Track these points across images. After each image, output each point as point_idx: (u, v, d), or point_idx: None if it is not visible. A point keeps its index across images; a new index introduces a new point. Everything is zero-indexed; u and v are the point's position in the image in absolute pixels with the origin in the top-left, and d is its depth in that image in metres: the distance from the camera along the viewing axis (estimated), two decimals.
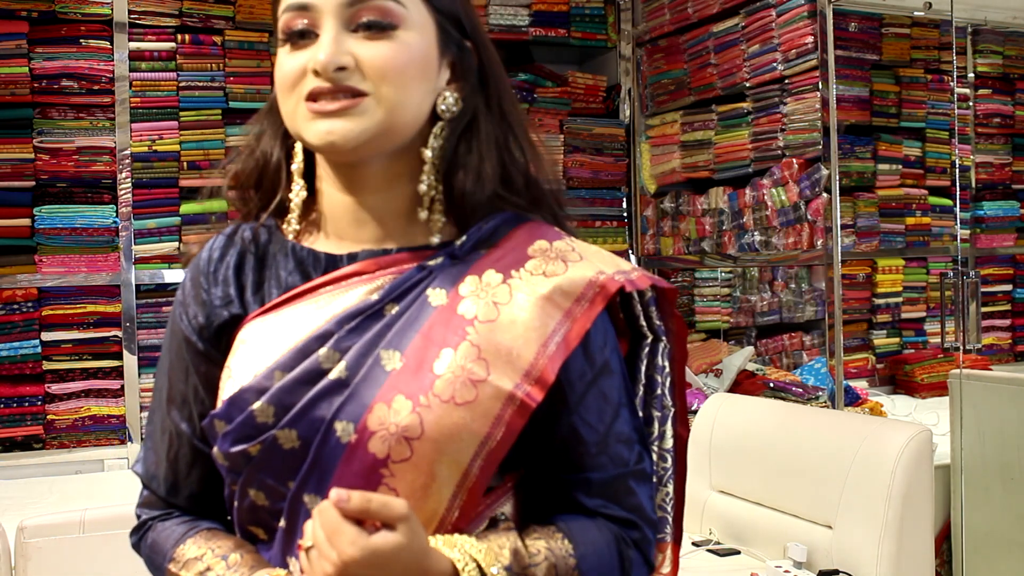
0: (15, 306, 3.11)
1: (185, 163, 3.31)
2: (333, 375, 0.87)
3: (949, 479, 2.73)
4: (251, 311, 0.95)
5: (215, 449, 0.92)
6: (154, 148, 3.27)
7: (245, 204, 1.03)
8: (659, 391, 1.01)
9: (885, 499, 2.08)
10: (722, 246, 3.55)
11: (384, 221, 0.94)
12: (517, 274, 0.91)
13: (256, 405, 0.88)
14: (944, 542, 2.74)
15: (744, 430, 2.52)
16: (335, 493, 0.80)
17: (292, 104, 0.90)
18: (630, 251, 3.96)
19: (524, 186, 0.97)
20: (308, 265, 0.95)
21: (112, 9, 3.20)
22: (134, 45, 3.25)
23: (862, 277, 3.88)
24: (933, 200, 3.91)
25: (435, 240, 0.94)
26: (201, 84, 3.32)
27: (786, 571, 2.16)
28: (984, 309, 3.99)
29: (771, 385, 3.24)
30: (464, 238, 0.93)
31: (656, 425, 1.03)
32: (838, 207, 2.99)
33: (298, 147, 0.97)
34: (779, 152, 3.26)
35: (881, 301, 3.91)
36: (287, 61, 0.90)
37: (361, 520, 0.80)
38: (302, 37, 0.90)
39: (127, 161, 3.23)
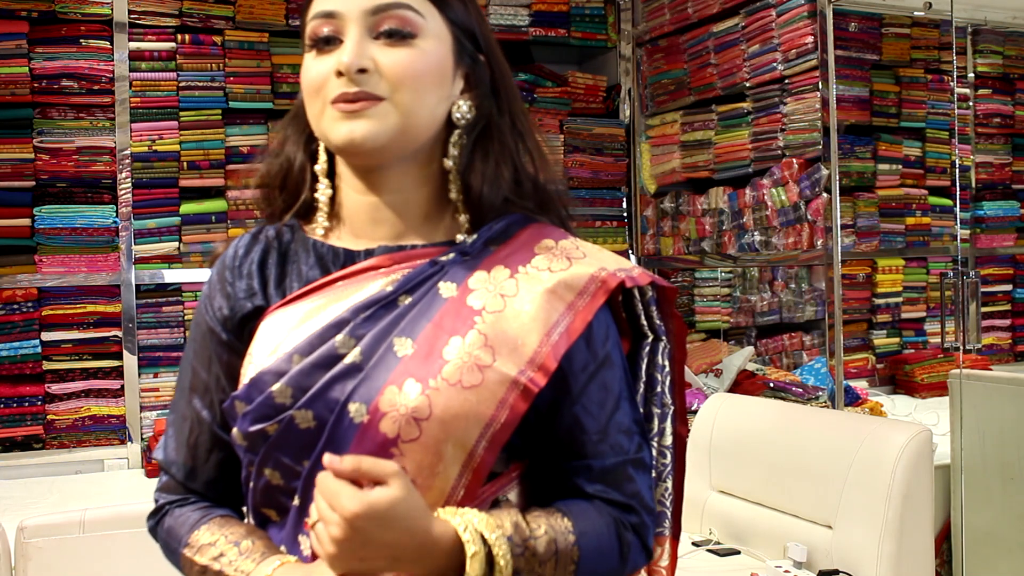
0: (15, 306, 3.11)
1: (185, 163, 3.31)
2: (348, 360, 0.93)
3: (949, 479, 2.73)
4: (273, 303, 1.01)
5: (234, 430, 0.97)
6: (154, 148, 3.27)
7: (269, 205, 1.08)
8: (659, 389, 1.06)
9: (885, 499, 2.08)
10: (722, 246, 3.55)
11: (400, 221, 1.01)
12: (524, 270, 0.97)
13: (275, 387, 0.93)
14: (944, 542, 2.74)
15: (744, 430, 2.52)
16: (327, 458, 0.84)
17: (318, 107, 0.97)
18: (630, 251, 3.96)
19: (533, 191, 1.03)
20: (328, 260, 1.01)
21: (112, 9, 3.20)
22: (134, 45, 3.25)
23: (862, 277, 3.88)
24: (933, 200, 3.92)
25: (459, 238, 1.00)
26: (201, 84, 3.32)
27: (786, 571, 2.16)
28: (984, 309, 3.99)
29: (771, 385, 3.24)
30: (475, 236, 1.00)
31: (656, 422, 1.07)
32: (838, 207, 2.99)
33: (322, 148, 1.03)
34: (779, 152, 3.26)
35: (881, 301, 3.91)
36: (313, 65, 0.97)
37: (358, 483, 0.85)
38: (327, 43, 0.96)
39: (127, 161, 3.23)
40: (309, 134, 1.04)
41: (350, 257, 1.00)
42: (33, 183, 3.14)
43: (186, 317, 3.30)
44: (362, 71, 0.93)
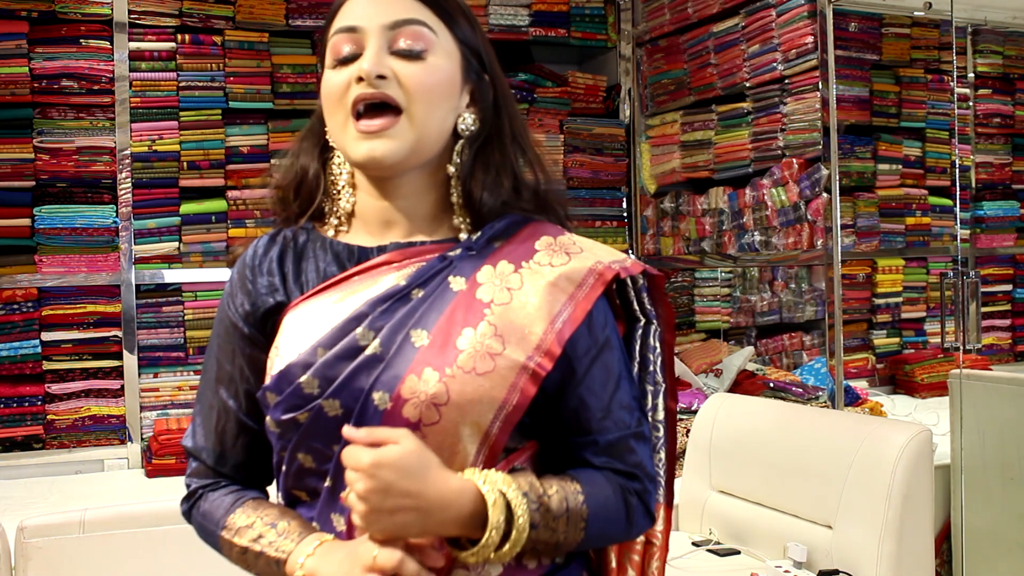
0: (15, 306, 3.11)
1: (185, 163, 3.31)
2: (369, 351, 1.01)
3: (949, 479, 2.73)
4: (293, 298, 1.09)
5: (267, 418, 1.05)
6: (154, 148, 3.27)
7: (284, 209, 1.16)
8: (651, 368, 1.16)
9: (885, 499, 2.08)
10: (722, 246, 3.55)
11: (410, 222, 1.10)
12: (527, 265, 1.06)
13: (303, 378, 1.01)
14: (944, 542, 2.74)
15: (744, 430, 2.52)
16: (346, 430, 0.95)
17: (341, 119, 1.06)
18: (630, 251, 3.96)
19: (532, 197, 1.13)
20: (343, 257, 1.10)
21: (112, 9, 3.20)
22: (134, 45, 3.25)
23: (862, 277, 3.88)
24: (933, 200, 3.91)
25: (462, 236, 1.09)
26: (201, 84, 3.32)
27: (786, 571, 2.16)
28: (984, 309, 3.99)
29: (771, 385, 3.24)
30: (479, 234, 1.08)
31: (649, 398, 1.18)
32: (838, 207, 2.99)
33: (338, 160, 1.12)
34: (779, 152, 3.26)
35: (881, 301, 3.91)
36: (334, 76, 1.06)
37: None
38: (348, 61, 1.06)
39: (127, 161, 3.23)
40: (323, 145, 1.13)
41: (364, 254, 1.09)
42: (33, 183, 3.14)
43: (186, 317, 3.30)
44: (381, 77, 1.02)
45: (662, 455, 1.18)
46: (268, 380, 1.05)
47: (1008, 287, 4.14)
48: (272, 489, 1.15)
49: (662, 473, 1.18)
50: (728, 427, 2.56)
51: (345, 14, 1.07)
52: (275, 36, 3.42)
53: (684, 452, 2.73)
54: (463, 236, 1.09)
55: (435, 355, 0.99)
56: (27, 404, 3.10)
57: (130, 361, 3.22)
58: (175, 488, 2.92)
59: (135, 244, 3.25)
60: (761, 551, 2.35)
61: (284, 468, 1.07)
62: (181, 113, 3.30)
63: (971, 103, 4.00)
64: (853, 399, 3.25)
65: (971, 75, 3.98)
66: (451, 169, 1.10)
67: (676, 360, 3.45)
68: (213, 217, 3.35)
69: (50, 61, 3.14)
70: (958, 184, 3.81)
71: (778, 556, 2.27)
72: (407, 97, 1.03)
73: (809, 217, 3.09)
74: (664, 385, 1.17)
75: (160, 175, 3.29)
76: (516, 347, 1.00)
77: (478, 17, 1.16)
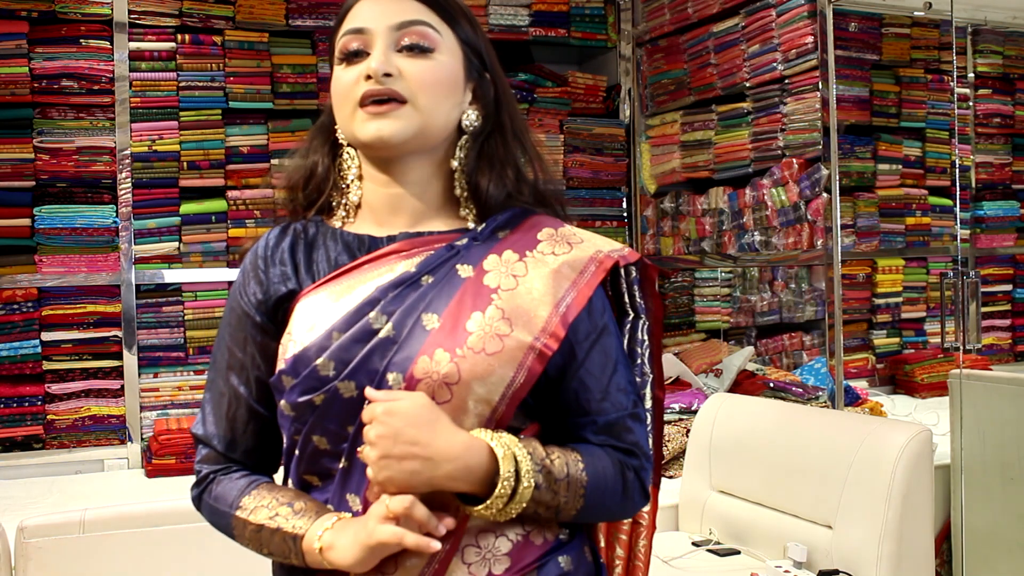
0: (15, 306, 3.11)
1: (185, 163, 3.31)
2: (382, 334, 1.05)
3: (949, 479, 2.73)
4: (305, 287, 1.13)
5: (282, 402, 1.08)
6: (154, 148, 3.27)
7: (292, 202, 1.21)
8: (639, 361, 1.22)
9: (885, 499, 2.08)
10: (722, 246, 3.55)
11: (416, 211, 1.15)
12: (530, 254, 1.12)
13: (319, 361, 1.05)
14: (944, 542, 2.74)
15: (744, 430, 2.52)
16: (368, 391, 1.02)
17: (348, 110, 1.11)
18: None
19: (532, 191, 1.19)
20: (354, 247, 1.14)
21: (112, 9, 3.20)
22: (134, 45, 3.25)
23: (862, 277, 3.88)
24: (933, 200, 3.91)
25: (469, 225, 1.15)
26: (201, 84, 3.32)
27: (786, 571, 2.16)
28: (984, 309, 3.99)
29: (771, 385, 3.24)
30: (484, 225, 1.14)
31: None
32: (838, 207, 3.00)
33: (349, 154, 1.17)
34: (779, 152, 3.26)
35: (881, 301, 3.91)
36: (343, 75, 1.12)
37: None
38: (356, 56, 1.11)
39: (127, 161, 3.23)
40: (332, 142, 1.18)
41: (374, 243, 1.14)
42: (33, 183, 3.15)
43: (186, 317, 3.30)
44: (387, 75, 1.08)
45: (650, 441, 1.23)
46: (283, 364, 1.08)
47: (1008, 287, 4.14)
48: (278, 478, 1.18)
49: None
50: (728, 427, 2.56)
51: (353, 17, 1.13)
52: (275, 36, 3.42)
53: (684, 452, 2.73)
54: (469, 226, 1.15)
55: (446, 337, 1.04)
56: (27, 404, 3.10)
57: (130, 361, 3.22)
58: (175, 488, 2.94)
59: (135, 244, 3.25)
60: (761, 551, 2.35)
61: (298, 452, 1.09)
62: (181, 113, 3.31)
63: (971, 103, 4.00)
64: (853, 399, 3.24)
65: (971, 75, 3.98)
66: (454, 163, 1.15)
67: (676, 360, 3.46)
68: (213, 217, 3.35)
69: (50, 61, 3.14)
70: (958, 184, 3.81)
71: (778, 556, 2.27)
72: (412, 92, 1.09)
73: (809, 217, 3.09)
74: (652, 376, 1.23)
75: (160, 175, 3.29)
76: (523, 329, 1.06)
77: (478, 17, 1.21)
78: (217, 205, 3.36)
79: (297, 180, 1.20)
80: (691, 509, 2.61)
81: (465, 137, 1.16)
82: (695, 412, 2.85)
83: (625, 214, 4.00)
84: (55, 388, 3.15)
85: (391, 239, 1.14)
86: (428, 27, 1.11)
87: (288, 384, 1.07)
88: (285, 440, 1.12)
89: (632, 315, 1.22)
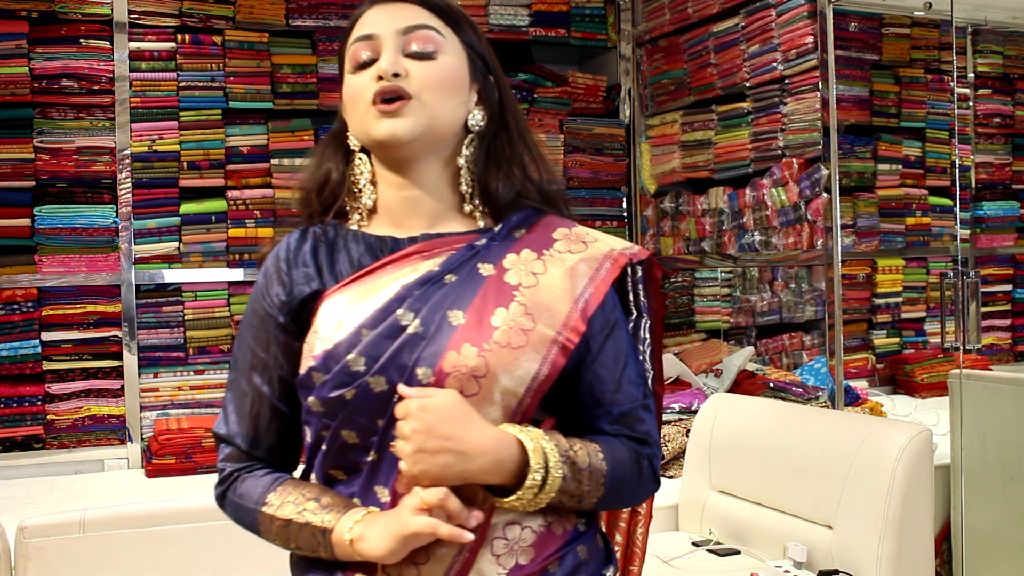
0: (15, 306, 3.11)
1: (185, 163, 3.31)
2: (411, 330, 1.09)
3: (949, 479, 2.73)
4: (328, 287, 1.16)
5: (310, 399, 1.11)
6: (154, 148, 3.27)
7: (307, 207, 1.24)
8: (641, 358, 1.26)
9: (885, 499, 2.08)
10: (722, 246, 3.55)
11: (433, 212, 1.19)
12: (548, 252, 1.17)
13: (349, 356, 1.09)
14: (944, 542, 2.74)
15: (744, 430, 2.52)
16: (401, 387, 1.06)
17: (362, 109, 1.15)
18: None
19: (538, 190, 1.23)
20: (376, 248, 1.18)
21: (112, 9, 3.20)
22: (134, 45, 3.25)
23: (862, 277, 3.88)
24: (933, 200, 3.91)
25: (480, 225, 1.20)
26: (201, 84, 3.33)
27: (786, 571, 2.16)
28: (984, 309, 3.99)
29: (771, 385, 3.24)
30: (500, 225, 1.19)
31: None
32: (838, 207, 2.99)
33: (361, 159, 1.21)
34: (779, 152, 3.26)
35: (881, 301, 3.91)
36: (355, 80, 1.17)
37: None
38: (367, 65, 1.16)
39: (127, 161, 3.23)
40: (345, 148, 1.23)
41: (396, 244, 1.18)
42: (33, 183, 3.15)
43: (186, 317, 3.31)
44: (396, 75, 1.13)
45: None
46: (312, 362, 1.11)
47: (1008, 287, 4.14)
48: (297, 475, 1.20)
49: None
50: (728, 427, 2.56)
51: (362, 24, 1.19)
52: (275, 36, 3.42)
53: (684, 452, 2.73)
54: (480, 225, 1.20)
55: (472, 332, 1.09)
56: (27, 404, 3.10)
57: (130, 361, 3.22)
58: (175, 488, 2.94)
59: (135, 244, 3.25)
60: (761, 551, 2.35)
61: (325, 447, 1.12)
62: (181, 113, 3.31)
63: (971, 103, 4.00)
64: (853, 399, 3.24)
65: (971, 75, 3.98)
66: (460, 160, 1.19)
67: (676, 360, 3.46)
68: (213, 217, 3.35)
69: (50, 61, 3.14)
70: (958, 184, 3.81)
71: (778, 556, 2.27)
72: (419, 90, 1.14)
73: (809, 217, 3.09)
74: (652, 372, 1.28)
75: (160, 175, 3.29)
76: (546, 324, 1.11)
77: (478, 18, 1.25)
78: (217, 205, 3.36)
79: (312, 187, 1.24)
80: (691, 509, 2.61)
81: (471, 136, 1.20)
82: (695, 412, 2.85)
83: (625, 214, 4.00)
84: (55, 388, 3.15)
85: (412, 240, 1.18)
86: (433, 31, 1.17)
87: (319, 380, 1.10)
88: (310, 436, 1.15)
89: (635, 313, 1.26)
